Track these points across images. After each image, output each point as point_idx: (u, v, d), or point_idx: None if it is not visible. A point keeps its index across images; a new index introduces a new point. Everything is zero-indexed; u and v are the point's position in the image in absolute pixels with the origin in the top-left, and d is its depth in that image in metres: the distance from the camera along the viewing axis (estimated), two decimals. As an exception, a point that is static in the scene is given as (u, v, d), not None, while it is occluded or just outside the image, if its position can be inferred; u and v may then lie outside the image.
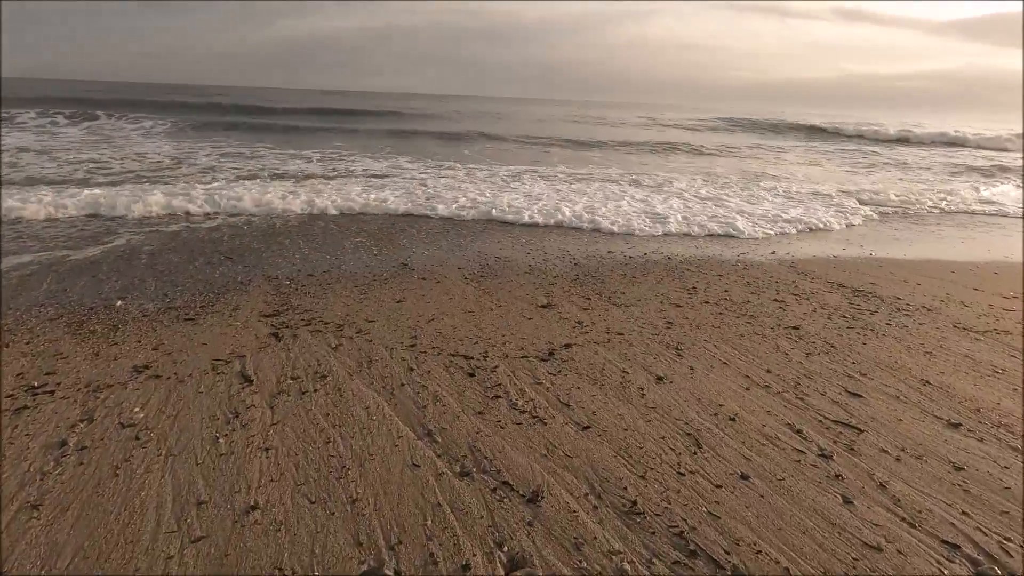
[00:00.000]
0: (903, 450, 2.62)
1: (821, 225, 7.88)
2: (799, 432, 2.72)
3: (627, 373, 3.29)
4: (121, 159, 10.93)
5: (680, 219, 7.52)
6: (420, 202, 7.85)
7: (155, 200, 7.20)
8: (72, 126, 15.75)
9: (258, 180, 9.25)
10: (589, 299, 4.58)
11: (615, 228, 7.06)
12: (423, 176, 10.26)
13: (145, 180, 8.97)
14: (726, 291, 4.90)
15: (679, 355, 3.56)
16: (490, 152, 15.58)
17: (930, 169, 15.65)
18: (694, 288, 4.94)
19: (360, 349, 3.50)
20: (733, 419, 2.82)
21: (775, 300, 4.70)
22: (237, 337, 3.62)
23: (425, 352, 3.49)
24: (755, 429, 2.75)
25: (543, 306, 4.37)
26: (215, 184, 8.65)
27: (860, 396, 3.11)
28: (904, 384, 3.28)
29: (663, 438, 2.64)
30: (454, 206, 7.58)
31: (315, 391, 2.97)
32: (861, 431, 2.76)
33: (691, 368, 3.38)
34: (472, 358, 3.42)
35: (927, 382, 3.30)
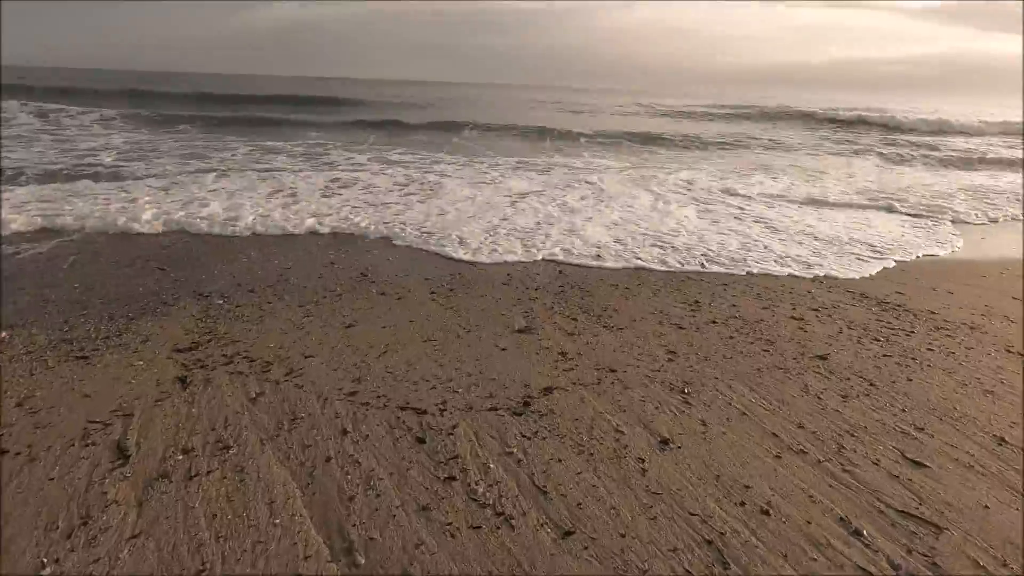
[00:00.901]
0: (1005, 565, 1.85)
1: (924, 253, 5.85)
2: (858, 534, 1.95)
3: (623, 433, 2.50)
4: (70, 153, 9.92)
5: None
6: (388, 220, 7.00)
7: (89, 200, 6.31)
8: (27, 115, 14.58)
9: (215, 175, 8.34)
10: (575, 319, 3.78)
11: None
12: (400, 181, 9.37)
13: (98, 176, 8.04)
14: (734, 306, 4.11)
15: (687, 402, 2.78)
16: (480, 145, 14.67)
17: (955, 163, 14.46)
18: (697, 303, 4.15)
19: (285, 401, 2.69)
20: (766, 512, 2.04)
21: (792, 317, 3.92)
22: (134, 383, 2.80)
23: (368, 404, 2.68)
24: (797, 528, 1.97)
25: (520, 331, 3.57)
26: (164, 180, 7.74)
27: (924, 465, 2.34)
28: (974, 443, 2.51)
29: (675, 551, 1.86)
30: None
31: (208, 473, 2.16)
32: (940, 529, 1.99)
33: (703, 423, 2.60)
34: (426, 412, 2.62)
35: (1002, 440, 2.53)
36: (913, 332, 3.72)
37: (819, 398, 2.85)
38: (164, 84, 29.09)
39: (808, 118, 24.75)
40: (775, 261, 5.22)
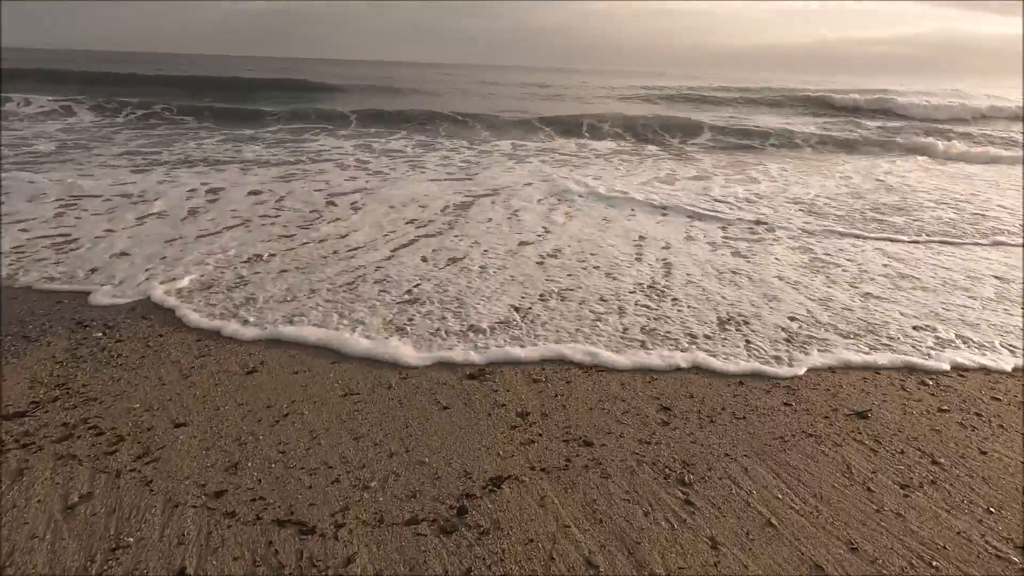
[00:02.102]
0: None
1: None
2: None
3: (597, 569, 1.65)
4: None
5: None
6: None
7: None
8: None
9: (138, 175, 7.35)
10: (545, 356, 2.92)
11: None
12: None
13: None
14: (741, 333, 3.25)
15: (688, 502, 1.92)
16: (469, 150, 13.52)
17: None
18: (696, 328, 3.29)
19: (117, 509, 1.82)
20: None
21: (814, 350, 3.07)
22: (-87, 478, 1.92)
23: (234, 515, 1.82)
24: None
25: (472, 376, 2.70)
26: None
27: (1050, 631, 1.51)
28: (1105, 576, 1.68)
29: None
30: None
31: None
32: None
33: (713, 544, 1.75)
34: (313, 530, 1.76)
35: None
36: (967, 371, 2.89)
37: (869, 489, 2.01)
38: (143, 68, 27.45)
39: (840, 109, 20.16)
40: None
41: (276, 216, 5.28)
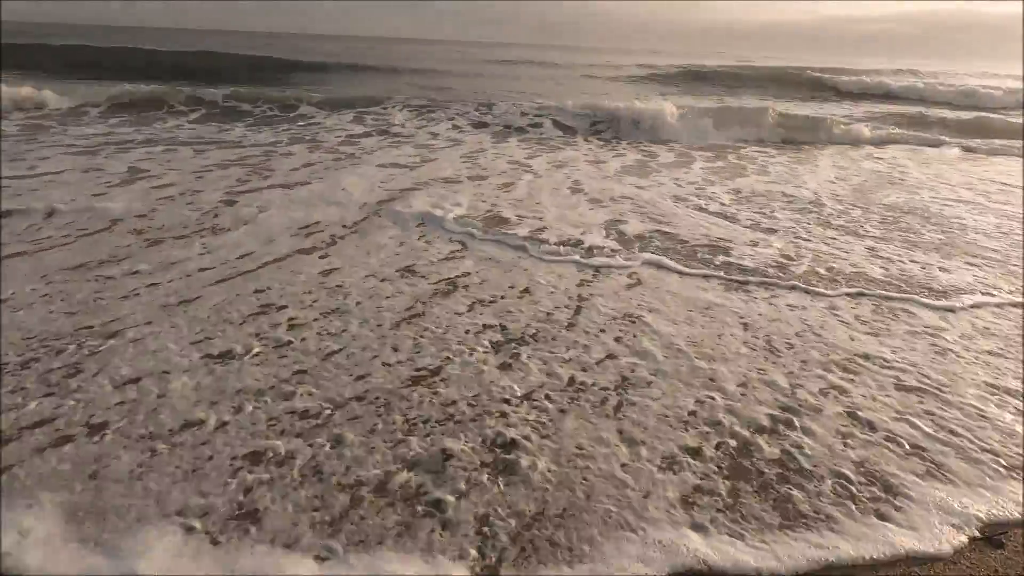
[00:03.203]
0: None
1: None
2: None
3: None
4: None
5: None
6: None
7: None
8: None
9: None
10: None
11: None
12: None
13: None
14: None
15: None
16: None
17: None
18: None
19: None
20: None
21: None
22: None
23: None
24: None
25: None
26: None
27: None
28: None
29: None
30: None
31: None
32: None
33: None
34: None
35: None
36: (1113, 455, 2.06)
37: None
38: (123, 42, 25.64)
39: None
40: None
41: (150, 220, 4.00)
